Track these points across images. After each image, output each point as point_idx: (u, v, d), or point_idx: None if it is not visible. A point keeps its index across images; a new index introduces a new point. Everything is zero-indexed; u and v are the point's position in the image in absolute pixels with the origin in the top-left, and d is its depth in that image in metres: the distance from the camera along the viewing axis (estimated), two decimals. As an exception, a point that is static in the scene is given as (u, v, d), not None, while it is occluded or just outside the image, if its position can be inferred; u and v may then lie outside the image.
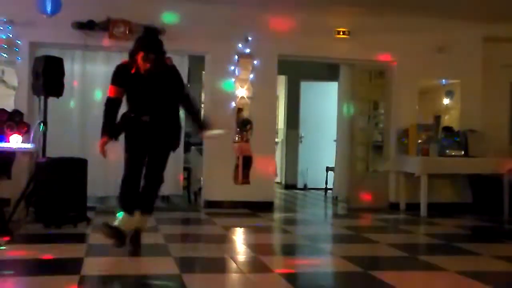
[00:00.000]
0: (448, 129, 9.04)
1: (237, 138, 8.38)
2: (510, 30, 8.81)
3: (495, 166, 8.26)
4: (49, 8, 6.55)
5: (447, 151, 8.52)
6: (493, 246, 5.89)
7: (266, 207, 8.35)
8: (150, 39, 5.10)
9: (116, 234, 4.90)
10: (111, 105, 5.07)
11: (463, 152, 8.55)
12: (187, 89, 5.34)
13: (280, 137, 11.97)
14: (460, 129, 8.89)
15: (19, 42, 7.69)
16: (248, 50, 8.40)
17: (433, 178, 8.42)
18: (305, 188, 11.83)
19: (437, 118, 10.57)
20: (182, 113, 5.21)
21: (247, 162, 8.37)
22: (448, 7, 8.11)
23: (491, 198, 8.43)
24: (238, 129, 8.39)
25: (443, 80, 9.65)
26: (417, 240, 6.63)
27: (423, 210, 8.10)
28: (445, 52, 8.81)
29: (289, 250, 5.81)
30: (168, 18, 8.17)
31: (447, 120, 9.94)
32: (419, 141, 8.46)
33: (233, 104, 8.40)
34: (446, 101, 10.34)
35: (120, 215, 5.03)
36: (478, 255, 5.38)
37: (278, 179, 11.81)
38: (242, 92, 8.44)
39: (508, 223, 7.72)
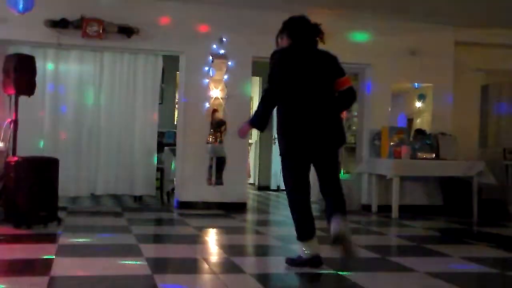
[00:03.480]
0: (420, 132, 9.15)
1: (210, 139, 8.38)
2: (481, 35, 8.96)
3: (465, 169, 8.37)
4: (20, 5, 6.45)
5: (419, 153, 8.61)
6: (462, 248, 5.98)
7: (239, 208, 8.35)
8: None
9: (313, 263, 4.49)
10: None
11: (434, 155, 8.65)
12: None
13: (253, 139, 11.98)
14: (431, 132, 9.00)
15: (-11, 40, 7.59)
16: (222, 51, 8.39)
17: (405, 180, 8.51)
18: (278, 189, 11.86)
19: (410, 121, 10.69)
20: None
21: (220, 163, 8.37)
22: (421, 11, 8.21)
23: (461, 200, 8.55)
24: (212, 130, 8.38)
25: (416, 84, 9.76)
26: (388, 242, 6.69)
27: (395, 212, 8.17)
28: (418, 56, 8.90)
29: (262, 251, 5.82)
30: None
31: (419, 123, 10.06)
32: (391, 143, 8.54)
33: (207, 104, 8.39)
34: (418, 104, 10.47)
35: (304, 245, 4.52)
36: (448, 256, 5.45)
37: (251, 180, 11.83)
38: (216, 93, 8.43)
39: (477, 225, 7.85)
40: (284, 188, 4.82)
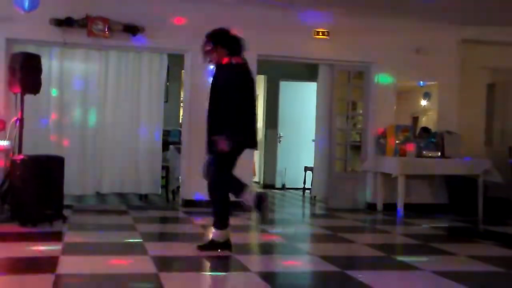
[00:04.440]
0: (425, 130, 9.12)
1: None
2: (487, 32, 8.92)
3: (470, 167, 8.35)
4: (26, 4, 6.46)
5: (424, 152, 8.58)
6: (468, 246, 5.96)
7: (244, 206, 8.33)
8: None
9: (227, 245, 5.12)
10: None
11: (439, 153, 8.62)
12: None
13: (258, 137, 11.97)
14: (437, 130, 8.97)
15: (-5, 38, 7.60)
16: (227, 49, 8.36)
17: (410, 178, 8.49)
18: (283, 188, 11.85)
19: (415, 119, 10.66)
20: None
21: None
22: (426, 9, 8.18)
23: (466, 199, 8.52)
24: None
25: (421, 82, 9.72)
26: (393, 240, 6.68)
27: (400, 211, 8.16)
28: (423, 54, 8.88)
29: (267, 250, 5.82)
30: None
31: (425, 121, 10.02)
32: (397, 141, 8.52)
33: (212, 103, 8.37)
34: (423, 102, 10.44)
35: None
36: (453, 255, 5.44)
37: (256, 179, 11.83)
38: (221, 91, 8.40)
39: (483, 224, 7.83)
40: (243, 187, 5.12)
